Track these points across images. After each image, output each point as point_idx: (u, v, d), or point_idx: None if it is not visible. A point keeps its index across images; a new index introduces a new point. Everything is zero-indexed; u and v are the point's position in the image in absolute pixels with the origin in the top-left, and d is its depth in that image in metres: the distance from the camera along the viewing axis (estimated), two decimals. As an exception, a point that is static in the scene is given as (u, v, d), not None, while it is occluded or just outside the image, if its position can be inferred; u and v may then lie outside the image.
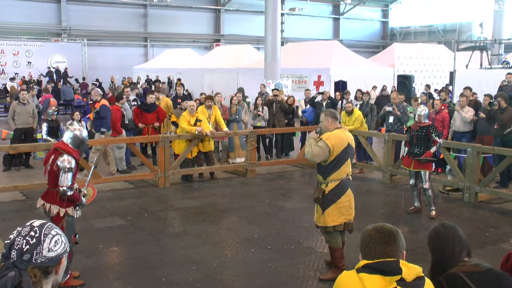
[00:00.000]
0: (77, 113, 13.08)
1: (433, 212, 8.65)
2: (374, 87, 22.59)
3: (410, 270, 2.47)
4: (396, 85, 22.55)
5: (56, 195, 5.66)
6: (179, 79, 27.83)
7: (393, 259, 2.49)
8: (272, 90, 15.36)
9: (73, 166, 5.59)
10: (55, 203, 5.70)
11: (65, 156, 5.60)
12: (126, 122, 11.98)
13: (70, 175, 5.55)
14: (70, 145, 5.73)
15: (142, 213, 8.88)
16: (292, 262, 6.71)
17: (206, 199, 9.86)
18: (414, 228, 8.08)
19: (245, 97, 15.81)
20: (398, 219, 8.38)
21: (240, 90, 15.93)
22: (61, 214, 5.69)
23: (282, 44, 26.75)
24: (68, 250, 2.15)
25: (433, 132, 8.71)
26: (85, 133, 5.87)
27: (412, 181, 9.00)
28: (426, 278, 2.52)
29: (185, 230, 7.95)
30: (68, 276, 5.78)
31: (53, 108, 13.92)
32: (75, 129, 5.79)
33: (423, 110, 8.88)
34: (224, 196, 10.13)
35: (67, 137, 5.78)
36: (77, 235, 5.89)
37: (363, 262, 2.54)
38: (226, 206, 9.38)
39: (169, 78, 29.92)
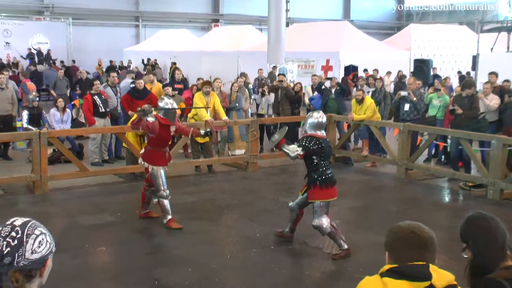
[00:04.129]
0: (60, 99, 13.07)
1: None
2: (388, 73, 22.57)
3: (441, 277, 2.41)
4: (412, 71, 22.51)
5: (144, 154, 8.03)
6: (173, 63, 27.80)
7: (422, 262, 2.43)
8: (278, 75, 15.35)
9: (149, 119, 7.56)
10: (144, 160, 7.96)
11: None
12: (104, 110, 11.92)
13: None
14: (160, 115, 7.80)
15: (134, 209, 8.89)
16: (297, 263, 6.74)
17: (203, 195, 9.89)
18: (432, 227, 8.09)
19: (247, 83, 15.81)
20: (415, 218, 8.38)
21: (243, 74, 15.95)
22: (146, 167, 7.96)
23: (287, 25, 26.65)
24: (53, 250, 2.14)
25: (301, 140, 7.01)
26: (171, 105, 7.87)
27: (292, 204, 7.43)
28: (459, 287, 2.44)
29: (182, 229, 7.97)
30: (170, 217, 7.89)
31: (34, 93, 13.93)
32: (166, 103, 7.87)
33: (318, 117, 7.03)
34: (223, 192, 10.16)
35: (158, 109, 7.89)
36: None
37: (387, 266, 2.49)
38: (225, 202, 9.40)
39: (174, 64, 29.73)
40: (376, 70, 20.22)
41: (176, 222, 7.98)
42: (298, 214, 7.38)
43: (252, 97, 14.68)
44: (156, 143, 7.88)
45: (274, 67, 21.48)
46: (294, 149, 6.95)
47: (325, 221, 6.90)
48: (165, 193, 7.90)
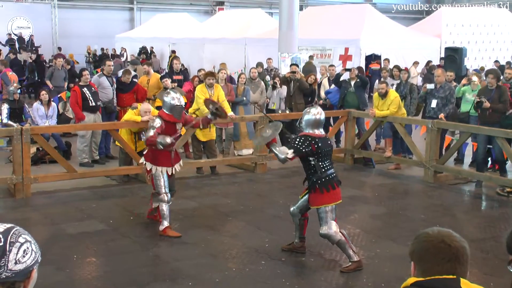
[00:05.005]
0: (44, 92, 13.09)
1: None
2: (416, 63, 22.53)
3: None
4: (443, 60, 22.45)
5: (147, 153, 8.27)
6: (173, 51, 27.86)
7: (452, 276, 2.42)
8: (290, 65, 15.36)
9: (156, 125, 7.92)
10: (146, 159, 8.22)
11: (155, 118, 8.26)
12: (95, 103, 11.94)
13: (151, 130, 7.92)
14: (164, 110, 8.12)
15: (127, 215, 8.94)
16: (311, 278, 6.74)
17: (205, 199, 9.90)
18: (465, 239, 8.07)
19: (264, 75, 15.83)
20: (444, 228, 8.35)
21: (259, 64, 16.01)
22: (148, 168, 8.15)
23: (301, 9, 26.67)
24: (39, 260, 2.15)
25: (293, 141, 7.09)
26: (178, 101, 8.05)
27: (293, 208, 7.43)
28: None
29: (180, 238, 8.00)
30: (167, 225, 8.01)
31: (15, 85, 13.96)
32: (173, 98, 8.07)
33: (316, 113, 7.04)
34: (227, 196, 10.18)
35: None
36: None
37: (412, 279, 2.49)
38: (230, 208, 9.42)
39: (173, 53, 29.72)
40: (387, 60, 20.17)
41: (174, 230, 8.02)
42: (303, 219, 7.41)
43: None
44: None
45: (311, 57, 21.37)
46: (284, 151, 7.01)
47: (334, 227, 6.90)
48: (166, 197, 8.04)
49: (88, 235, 8.04)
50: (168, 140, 7.87)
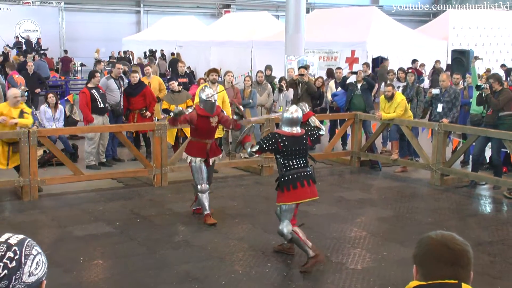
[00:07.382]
0: (51, 95, 13.11)
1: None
2: (422, 65, 22.49)
3: None
4: (449, 63, 22.42)
5: (187, 146, 9.14)
6: (172, 54, 27.84)
7: (454, 281, 2.41)
8: (299, 68, 15.37)
9: (187, 112, 8.58)
10: (186, 152, 8.94)
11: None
12: (103, 105, 11.96)
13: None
14: (199, 105, 8.67)
15: (134, 218, 8.95)
16: (318, 280, 6.73)
17: (211, 202, 9.80)
18: (472, 242, 8.04)
19: (273, 78, 15.86)
20: (451, 231, 8.32)
21: (268, 67, 16.08)
22: (188, 160, 8.77)
23: (308, 11, 26.63)
24: (46, 271, 2.16)
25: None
26: (211, 97, 8.51)
27: (277, 210, 7.63)
28: None
29: (186, 240, 8.01)
30: (207, 212, 8.65)
31: (22, 88, 14.00)
32: (207, 95, 8.58)
33: (293, 111, 7.16)
34: (234, 199, 10.19)
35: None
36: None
37: (414, 283, 2.49)
38: (237, 211, 9.43)
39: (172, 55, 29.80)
40: (366, 64, 20.17)
41: (182, 232, 8.05)
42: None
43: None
44: (196, 133, 8.73)
45: (386, 60, 21.24)
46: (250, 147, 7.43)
47: (288, 227, 7.05)
48: (200, 187, 8.70)
49: (95, 238, 8.06)
50: (180, 108, 8.66)
